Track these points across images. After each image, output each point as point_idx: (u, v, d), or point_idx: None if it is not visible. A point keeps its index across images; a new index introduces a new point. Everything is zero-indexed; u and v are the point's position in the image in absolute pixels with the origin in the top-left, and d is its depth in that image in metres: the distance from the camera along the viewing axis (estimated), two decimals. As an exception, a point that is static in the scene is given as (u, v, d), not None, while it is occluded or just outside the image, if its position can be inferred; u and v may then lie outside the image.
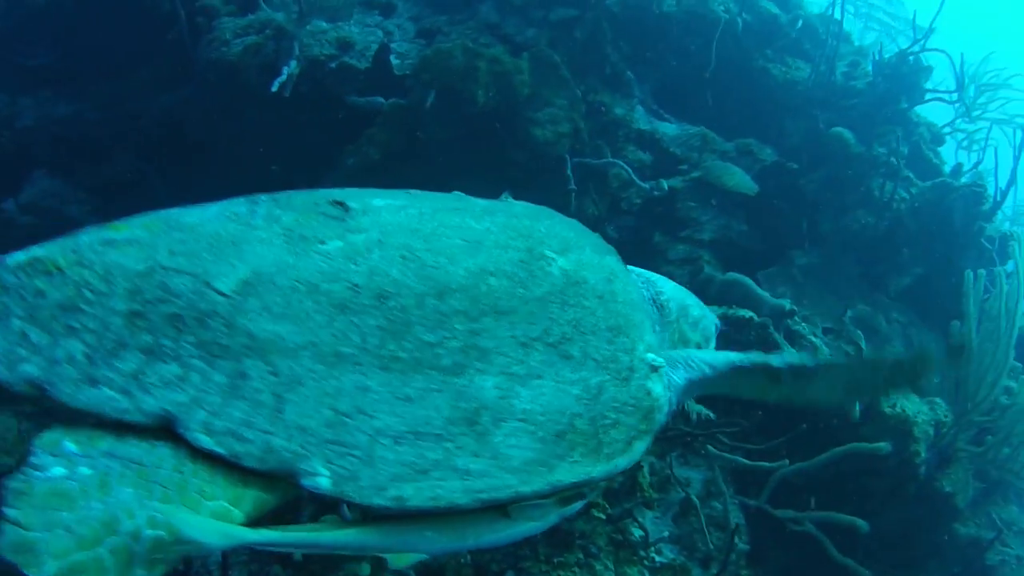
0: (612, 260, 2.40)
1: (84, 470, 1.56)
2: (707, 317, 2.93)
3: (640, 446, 2.04)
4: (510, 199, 2.96)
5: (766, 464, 4.41)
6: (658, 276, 2.85)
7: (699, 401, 4.40)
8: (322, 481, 1.68)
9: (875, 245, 5.88)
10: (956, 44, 7.02)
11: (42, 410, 1.75)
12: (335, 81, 5.29)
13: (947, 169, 6.49)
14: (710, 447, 4.47)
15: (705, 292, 4.94)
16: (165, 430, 1.66)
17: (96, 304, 1.70)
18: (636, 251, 5.18)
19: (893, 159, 5.75)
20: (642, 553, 4.21)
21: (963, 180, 6.26)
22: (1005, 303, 5.07)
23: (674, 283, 2.91)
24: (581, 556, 4.07)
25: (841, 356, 4.89)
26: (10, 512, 1.47)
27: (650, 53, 5.98)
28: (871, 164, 5.79)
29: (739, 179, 4.95)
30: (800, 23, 6.46)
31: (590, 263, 2.27)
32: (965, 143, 7.44)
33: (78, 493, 1.53)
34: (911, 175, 6.01)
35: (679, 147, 5.52)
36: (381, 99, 5.30)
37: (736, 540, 4.15)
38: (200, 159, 5.40)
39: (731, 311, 4.54)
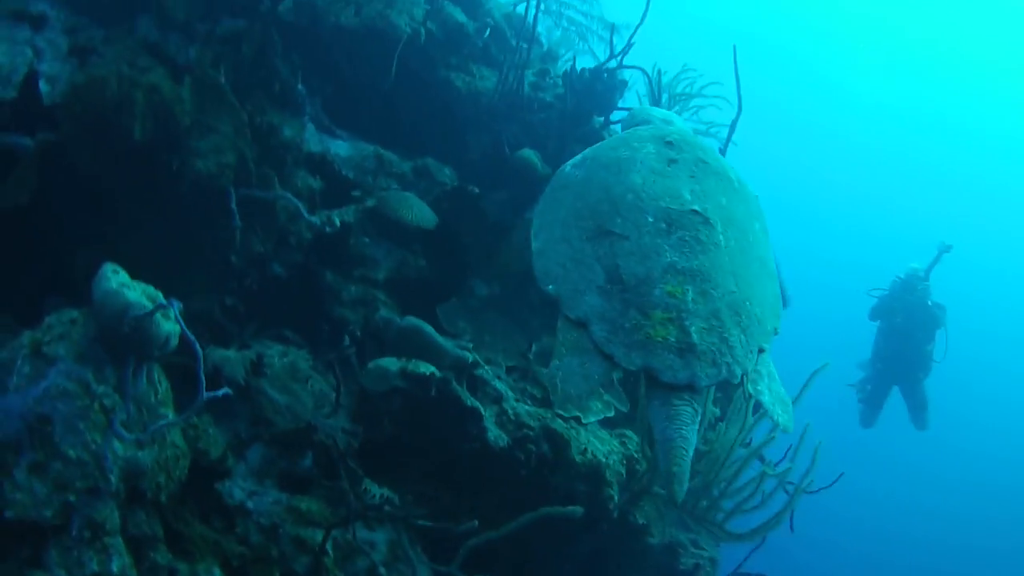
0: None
1: None
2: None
3: None
4: None
5: (454, 527, 4.16)
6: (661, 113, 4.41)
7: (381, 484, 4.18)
8: None
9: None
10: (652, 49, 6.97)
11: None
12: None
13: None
14: (387, 507, 4.17)
15: (383, 336, 4.58)
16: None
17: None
18: (306, 291, 4.69)
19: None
20: (325, 639, 3.82)
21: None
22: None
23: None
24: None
25: None
26: None
27: (324, 63, 5.42)
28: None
29: (417, 212, 4.57)
30: (488, 31, 6.17)
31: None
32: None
33: None
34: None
35: (352, 170, 5.04)
36: (28, 140, 4.43)
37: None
38: None
39: (411, 366, 4.20)
